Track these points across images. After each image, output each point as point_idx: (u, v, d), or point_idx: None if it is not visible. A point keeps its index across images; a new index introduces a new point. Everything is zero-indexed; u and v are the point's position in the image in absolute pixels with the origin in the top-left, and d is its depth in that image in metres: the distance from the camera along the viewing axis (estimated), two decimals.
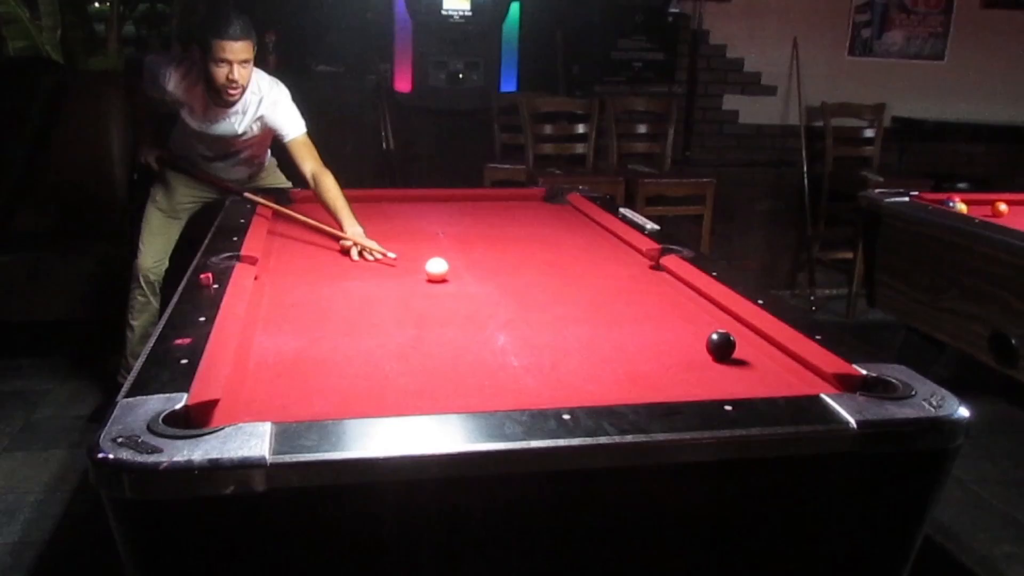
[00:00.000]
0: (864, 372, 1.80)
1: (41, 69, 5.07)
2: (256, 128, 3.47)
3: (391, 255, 2.79)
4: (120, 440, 1.40)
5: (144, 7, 6.19)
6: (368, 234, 2.93)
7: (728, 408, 1.61)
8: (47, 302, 4.47)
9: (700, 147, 6.03)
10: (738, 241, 5.86)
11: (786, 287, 6.01)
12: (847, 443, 1.58)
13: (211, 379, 1.68)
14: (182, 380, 1.65)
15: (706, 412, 1.60)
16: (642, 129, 5.74)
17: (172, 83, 3.41)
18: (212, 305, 2.12)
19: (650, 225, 3.17)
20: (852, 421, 1.58)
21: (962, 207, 3.83)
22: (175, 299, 2.21)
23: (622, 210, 3.46)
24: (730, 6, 5.90)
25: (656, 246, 2.89)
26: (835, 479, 1.63)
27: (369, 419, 1.51)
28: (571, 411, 1.56)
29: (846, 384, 1.78)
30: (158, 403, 1.54)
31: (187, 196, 3.73)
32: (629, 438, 1.50)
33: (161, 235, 3.69)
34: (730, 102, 6.10)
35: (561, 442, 1.47)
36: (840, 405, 1.63)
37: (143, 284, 3.64)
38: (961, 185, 5.42)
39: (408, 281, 2.61)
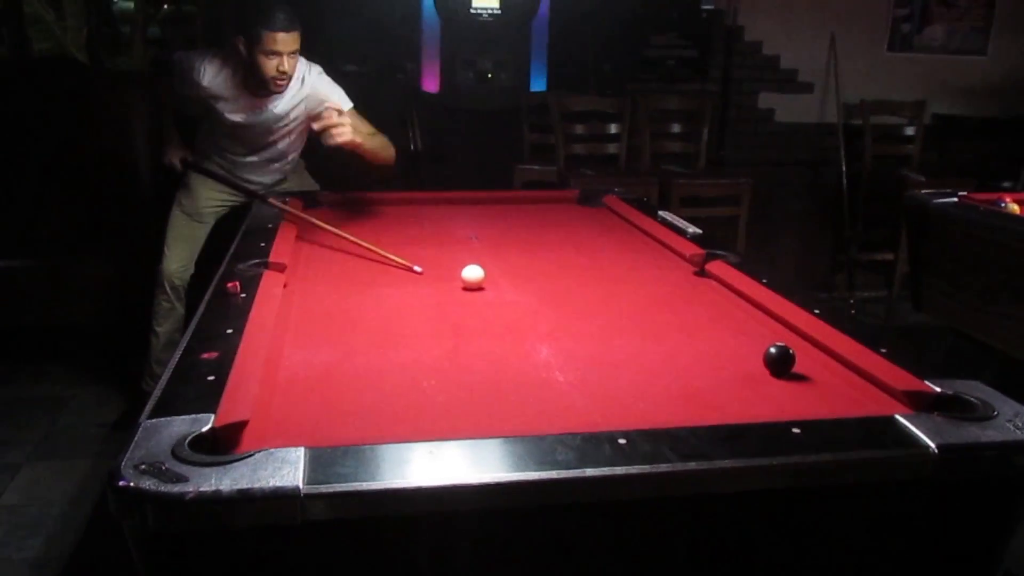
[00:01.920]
0: (938, 389, 1.67)
1: (65, 70, 5.02)
2: (300, 110, 3.45)
3: (417, 269, 2.66)
4: (143, 467, 1.30)
5: (170, 9, 6.12)
6: (402, 239, 2.83)
7: (796, 431, 1.49)
8: (71, 306, 4.41)
9: (735, 146, 5.87)
10: (774, 242, 5.72)
11: (824, 289, 5.85)
12: (926, 469, 1.45)
13: (239, 398, 1.57)
14: (209, 399, 1.55)
15: (772, 435, 1.48)
16: (675, 128, 5.60)
17: (208, 77, 3.35)
18: (240, 315, 2.02)
19: (692, 229, 3.04)
20: (932, 445, 1.45)
21: (1014, 207, 3.68)
22: (201, 308, 2.11)
23: (661, 213, 3.33)
24: (765, 1, 5.75)
25: (700, 251, 2.76)
26: (911, 508, 1.51)
27: (408, 444, 1.40)
28: (626, 434, 1.45)
29: (919, 403, 1.65)
30: (183, 425, 1.44)
31: (212, 199, 3.64)
32: (692, 465, 1.38)
33: (186, 239, 3.61)
34: (766, 100, 5.95)
35: (618, 470, 1.36)
36: (917, 427, 1.50)
37: (168, 289, 3.55)
38: (1006, 184, 5.26)
39: (443, 288, 2.50)
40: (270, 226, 2.96)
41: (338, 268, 2.70)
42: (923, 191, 4.01)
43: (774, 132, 6.00)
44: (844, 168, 5.67)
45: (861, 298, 5.74)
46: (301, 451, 1.35)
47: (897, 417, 1.54)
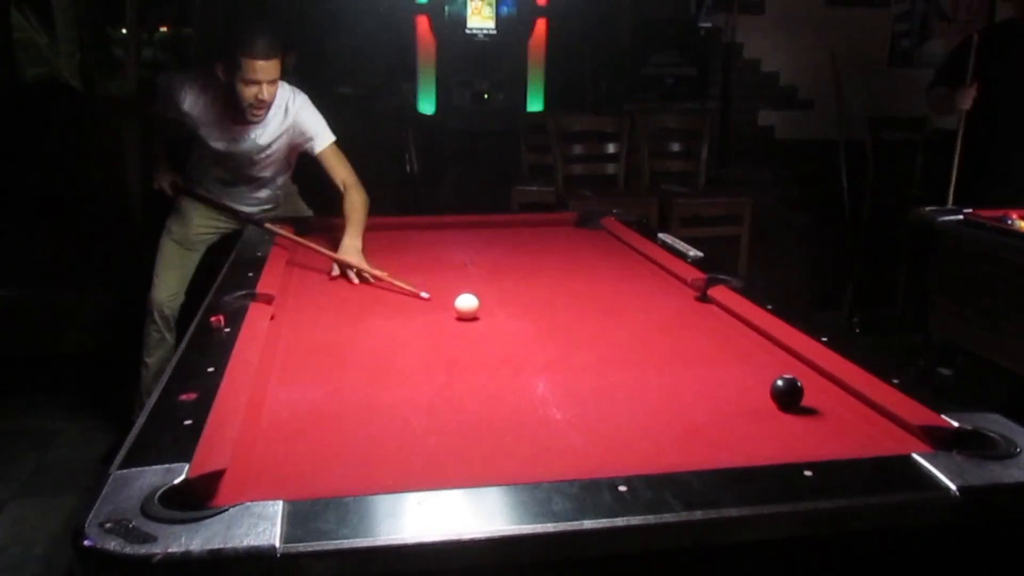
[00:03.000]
0: (956, 424, 1.58)
1: (57, 95, 4.96)
2: (282, 141, 3.33)
3: (424, 295, 2.59)
4: (109, 525, 1.21)
5: (165, 33, 6.07)
6: (392, 265, 2.74)
7: (808, 473, 1.40)
8: (61, 336, 4.33)
9: (735, 165, 5.80)
10: (776, 261, 5.63)
11: (828, 307, 5.76)
12: (947, 513, 1.37)
13: (217, 444, 1.48)
14: (185, 445, 1.46)
15: (784, 478, 1.39)
16: (675, 147, 5.52)
17: (188, 102, 3.27)
18: (223, 352, 1.94)
19: (693, 252, 2.96)
20: (953, 487, 1.37)
21: (1022, 224, 3.59)
22: (183, 345, 2.03)
23: (661, 235, 3.25)
24: (763, 19, 5.69)
25: (701, 275, 2.68)
26: (930, 555, 1.42)
27: (394, 495, 1.31)
28: (627, 480, 1.36)
29: (936, 439, 1.56)
30: (155, 476, 1.35)
31: (204, 226, 3.56)
32: (698, 514, 1.29)
33: (176, 268, 3.52)
34: (765, 117, 5.88)
35: (618, 521, 1.27)
36: (936, 467, 1.42)
37: (158, 319, 3.46)
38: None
39: (436, 319, 2.41)
40: (259, 254, 2.88)
41: (328, 298, 2.62)
42: (928, 208, 3.94)
43: (774, 149, 5.93)
44: (846, 185, 5.59)
45: (866, 317, 5.64)
46: (279, 505, 1.26)
47: (915, 456, 1.45)
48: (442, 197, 5.36)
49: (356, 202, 3.08)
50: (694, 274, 2.71)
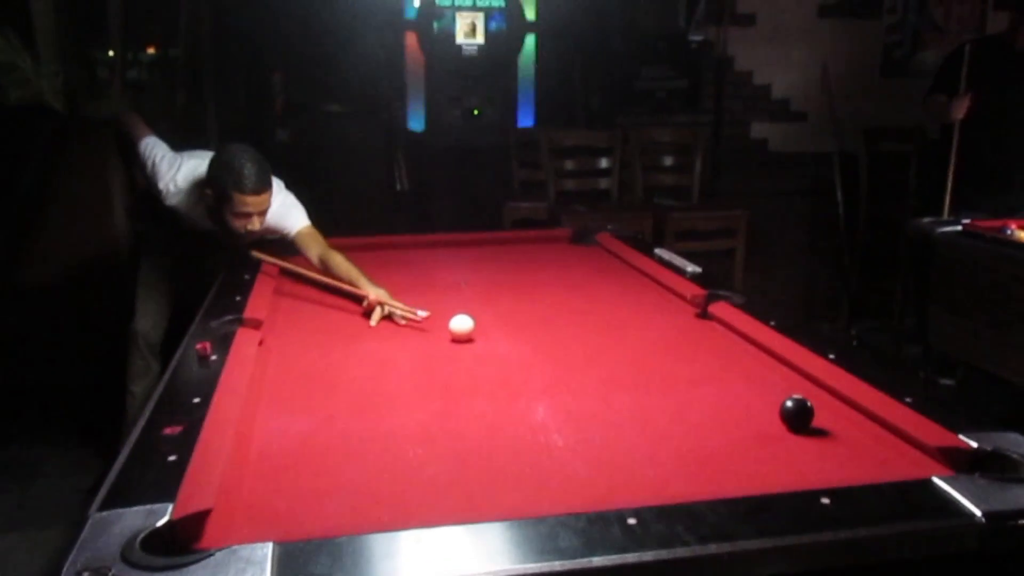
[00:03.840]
0: (975, 444, 1.52)
1: (40, 117, 4.88)
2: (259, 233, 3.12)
3: (422, 313, 2.50)
4: (87, 574, 1.14)
5: (153, 54, 6.00)
6: (387, 286, 2.65)
7: (826, 501, 1.33)
8: (47, 364, 4.22)
9: (729, 178, 5.74)
10: (773, 275, 5.57)
11: (825, 321, 5.70)
12: (972, 540, 1.30)
13: (203, 482, 1.40)
14: (168, 484, 1.39)
15: (800, 508, 1.33)
16: (668, 161, 5.48)
17: (171, 198, 3.10)
18: (209, 381, 1.86)
19: (691, 267, 2.90)
20: (978, 512, 1.30)
21: (1021, 235, 3.54)
22: (167, 375, 1.95)
23: (658, 251, 3.19)
24: (754, 31, 5.64)
25: (701, 291, 2.62)
26: None
27: (391, 533, 1.24)
28: (637, 512, 1.29)
29: (956, 461, 1.49)
30: (137, 518, 1.28)
31: (184, 252, 3.43)
32: (712, 547, 1.22)
33: (158, 295, 3.42)
34: (759, 130, 5.83)
35: (630, 557, 1.20)
36: (958, 491, 1.35)
37: (142, 347, 3.37)
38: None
39: (430, 341, 2.34)
40: (247, 277, 2.81)
41: (319, 322, 2.54)
42: (926, 219, 3.89)
43: (768, 162, 5.88)
44: (841, 197, 5.54)
45: (863, 329, 5.59)
46: (269, 547, 1.19)
47: (935, 480, 1.39)
48: (433, 214, 5.29)
49: (342, 261, 2.87)
50: (693, 290, 2.65)
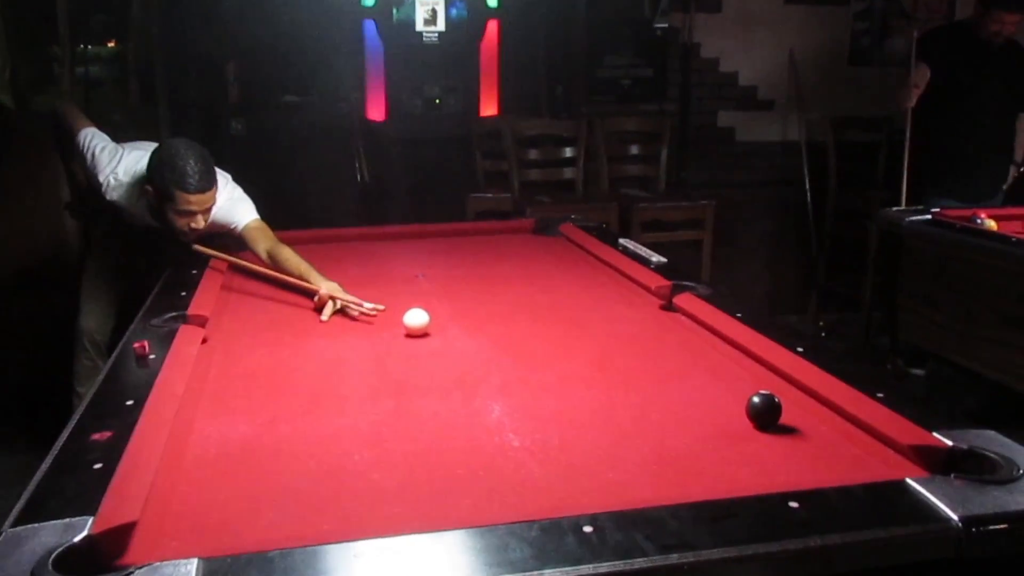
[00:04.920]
0: (950, 443, 1.44)
1: None
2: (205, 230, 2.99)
3: (378, 308, 2.39)
4: None
5: (110, 48, 5.84)
6: (341, 280, 2.54)
7: (794, 505, 1.25)
8: None
9: (696, 168, 5.67)
10: (740, 266, 5.52)
11: (793, 312, 5.66)
12: (949, 547, 1.22)
13: (128, 492, 1.30)
14: (91, 495, 1.28)
15: (767, 512, 1.25)
16: (634, 150, 5.39)
17: (111, 192, 2.97)
18: (145, 383, 1.76)
19: (656, 258, 2.83)
20: (954, 517, 1.23)
21: (991, 224, 3.51)
22: (101, 376, 1.84)
23: (622, 241, 3.12)
24: (721, 17, 5.57)
25: (666, 283, 2.54)
26: None
27: (326, 547, 1.15)
28: (593, 519, 1.21)
29: (930, 461, 1.42)
30: (52, 534, 1.17)
31: (130, 247, 3.30)
32: (673, 557, 1.14)
33: (104, 292, 3.29)
34: (725, 119, 5.76)
35: (584, 569, 1.12)
36: (934, 494, 1.28)
37: (88, 346, 3.24)
38: None
39: (384, 337, 2.25)
40: (195, 272, 2.69)
41: (268, 317, 2.44)
42: (895, 209, 3.84)
43: (735, 152, 5.81)
44: (808, 187, 5.50)
45: (831, 320, 5.55)
46: (194, 564, 1.10)
47: (910, 482, 1.32)
48: (395, 206, 5.17)
49: (291, 255, 2.73)
50: (658, 281, 2.57)
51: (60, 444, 1.49)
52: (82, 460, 1.41)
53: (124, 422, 1.55)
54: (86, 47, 5.66)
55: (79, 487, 1.32)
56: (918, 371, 4.08)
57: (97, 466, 1.39)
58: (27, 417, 3.96)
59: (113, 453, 1.43)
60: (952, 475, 1.35)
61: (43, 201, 4.34)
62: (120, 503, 1.27)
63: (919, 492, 1.28)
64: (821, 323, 5.51)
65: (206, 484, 1.43)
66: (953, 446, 1.43)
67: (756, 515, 1.24)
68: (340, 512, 1.33)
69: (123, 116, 5.34)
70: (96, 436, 1.51)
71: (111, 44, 5.77)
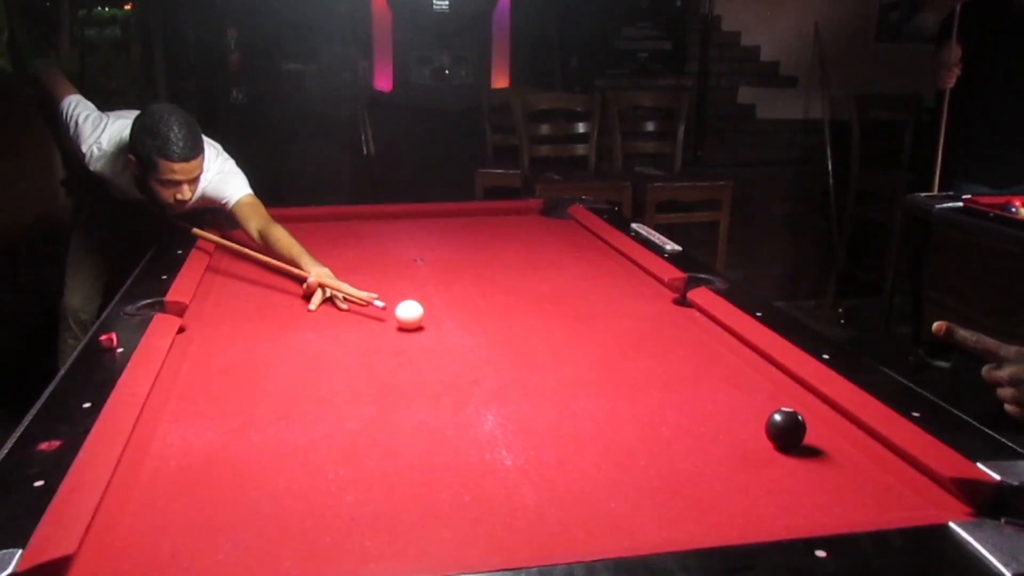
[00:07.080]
0: (997, 477, 1.28)
1: None
2: (196, 201, 2.84)
3: (372, 296, 2.20)
4: None
5: (103, 12, 5.67)
6: (334, 263, 2.38)
7: (821, 554, 1.09)
8: None
9: (714, 146, 5.47)
10: (757, 249, 5.33)
11: (811, 297, 5.47)
12: None
13: (68, 518, 1.16)
14: (24, 521, 1.13)
15: (790, 565, 1.09)
16: (649, 127, 5.19)
17: (94, 162, 2.82)
18: (108, 381, 1.60)
19: (670, 246, 2.66)
20: (1008, 573, 1.06)
21: None
22: (59, 374, 1.68)
23: (634, 226, 2.95)
24: None
25: (680, 274, 2.37)
26: None
27: None
28: (590, 568, 1.05)
29: (976, 498, 1.25)
30: None
31: (119, 222, 3.14)
32: None
33: (90, 268, 3.14)
34: (746, 95, 5.54)
35: None
36: (982, 543, 1.12)
37: (72, 324, 3.10)
38: None
39: (373, 330, 2.09)
40: (179, 252, 2.54)
41: (253, 305, 2.28)
42: (923, 195, 3.65)
43: (755, 130, 5.61)
44: (831, 167, 5.29)
45: (850, 306, 5.37)
46: None
47: (953, 528, 1.15)
48: (401, 181, 5.00)
49: (283, 235, 2.58)
50: (672, 272, 2.40)
51: (1, 455, 1.34)
52: (21, 476, 1.26)
53: (77, 429, 1.40)
54: (89, 11, 5.52)
55: (12, 511, 1.17)
56: (942, 363, 3.90)
57: (38, 483, 1.24)
58: (7, 397, 3.83)
59: (58, 468, 1.28)
60: (1003, 519, 1.18)
61: (38, 166, 4.21)
62: (55, 532, 1.12)
63: (965, 541, 1.12)
64: (840, 309, 5.33)
65: (160, 507, 1.27)
66: (1002, 481, 1.27)
67: (777, 567, 1.08)
68: (303, 547, 1.18)
69: (123, 83, 5.21)
70: (43, 446, 1.36)
71: (112, 7, 5.62)
